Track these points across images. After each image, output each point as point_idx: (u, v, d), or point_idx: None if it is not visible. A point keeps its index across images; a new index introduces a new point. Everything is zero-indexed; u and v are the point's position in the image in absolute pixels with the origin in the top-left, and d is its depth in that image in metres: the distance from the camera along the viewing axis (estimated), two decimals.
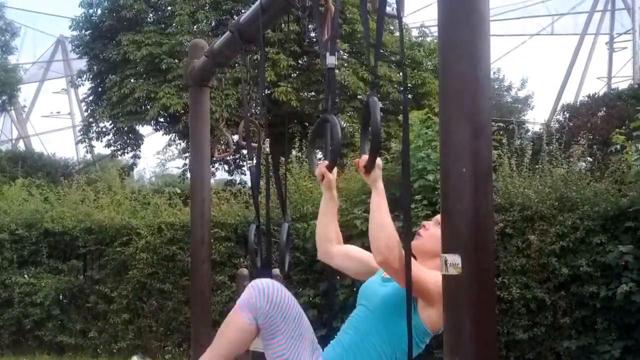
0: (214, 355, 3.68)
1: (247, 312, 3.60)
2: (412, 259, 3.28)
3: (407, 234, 3.06)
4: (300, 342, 3.59)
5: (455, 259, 2.27)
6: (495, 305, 2.43)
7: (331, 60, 3.56)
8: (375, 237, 3.21)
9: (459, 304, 2.32)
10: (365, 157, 3.32)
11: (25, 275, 12.71)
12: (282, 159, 12.32)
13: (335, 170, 3.71)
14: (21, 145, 42.49)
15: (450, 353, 2.35)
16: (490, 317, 2.38)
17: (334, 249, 3.89)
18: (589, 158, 13.09)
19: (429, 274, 3.34)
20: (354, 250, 3.94)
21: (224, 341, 3.68)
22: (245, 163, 25.04)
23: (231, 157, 22.22)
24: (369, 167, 3.26)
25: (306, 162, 12.92)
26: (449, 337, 2.37)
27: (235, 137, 6.44)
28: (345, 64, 21.57)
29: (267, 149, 4.38)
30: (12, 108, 36.97)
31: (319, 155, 4.60)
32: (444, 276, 2.33)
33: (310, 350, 3.63)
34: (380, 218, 3.24)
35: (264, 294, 3.59)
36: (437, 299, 3.27)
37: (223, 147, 6.56)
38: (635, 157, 9.81)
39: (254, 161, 4.59)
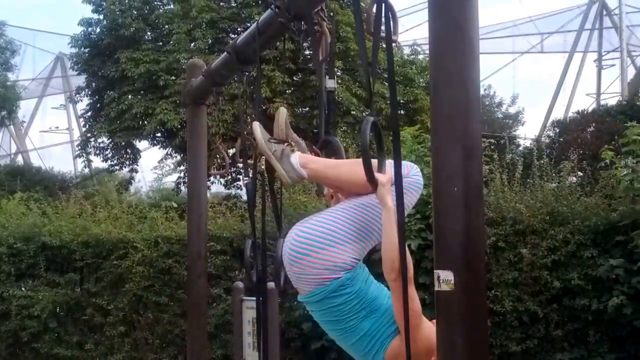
0: (336, 171, 3.55)
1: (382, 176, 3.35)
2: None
3: (402, 249, 3.05)
4: (368, 236, 3.52)
5: (447, 275, 2.29)
6: (487, 319, 2.45)
7: (330, 83, 3.64)
8: (390, 258, 3.19)
9: (451, 319, 2.33)
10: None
11: (23, 288, 12.69)
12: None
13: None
14: (20, 160, 42.54)
15: None
16: (481, 331, 2.39)
17: None
18: (579, 173, 13.14)
19: (427, 326, 3.37)
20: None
21: (354, 170, 3.41)
22: (241, 177, 25.06)
23: (227, 174, 22.25)
24: (371, 185, 3.27)
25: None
26: (442, 351, 2.38)
27: (232, 151, 6.48)
28: (339, 81, 21.68)
29: (263, 166, 4.39)
30: (11, 123, 36.97)
31: None
32: (436, 292, 2.34)
33: (356, 251, 3.51)
34: (394, 236, 3.16)
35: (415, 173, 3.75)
36: (412, 348, 3.30)
37: (219, 162, 6.59)
38: (625, 172, 9.84)
39: (250, 177, 4.62)
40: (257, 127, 3.51)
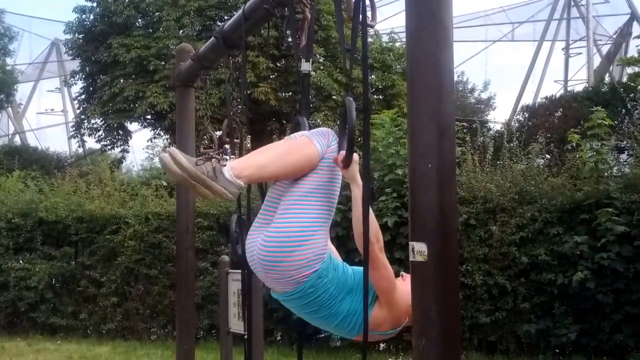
0: (273, 164, 3.24)
1: (319, 145, 3.28)
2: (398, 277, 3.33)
3: (365, 220, 3.05)
4: (329, 211, 3.35)
5: (421, 247, 2.30)
6: (458, 287, 2.46)
7: (306, 66, 3.59)
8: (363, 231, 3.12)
9: (425, 288, 2.34)
10: (342, 153, 3.32)
11: (21, 261, 12.71)
12: None
13: None
14: (17, 140, 42.29)
15: (417, 335, 2.38)
16: (454, 300, 2.41)
17: None
18: (546, 155, 13.22)
19: (402, 288, 3.30)
20: (333, 252, 3.67)
21: (287, 160, 3.24)
22: (227, 158, 25.03)
23: (214, 152, 22.21)
24: (347, 162, 3.26)
25: None
26: (417, 319, 2.40)
27: (218, 133, 6.45)
28: (321, 67, 21.65)
29: (249, 145, 4.39)
30: (9, 106, 36.72)
31: None
32: (411, 262, 2.35)
33: (327, 234, 3.35)
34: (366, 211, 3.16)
35: (336, 140, 3.35)
36: (393, 312, 3.29)
37: (207, 142, 6.57)
38: (589, 155, 9.90)
39: (236, 156, 4.61)
40: (178, 153, 3.12)
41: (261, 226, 3.36)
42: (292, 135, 3.45)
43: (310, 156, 3.25)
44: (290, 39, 3.90)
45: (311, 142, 3.27)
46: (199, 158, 3.12)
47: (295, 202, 3.27)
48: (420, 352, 2.35)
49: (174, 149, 3.13)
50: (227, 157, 3.16)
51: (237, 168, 3.14)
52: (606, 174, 9.96)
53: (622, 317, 9.23)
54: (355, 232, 3.20)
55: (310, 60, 3.63)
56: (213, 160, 3.09)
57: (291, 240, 3.19)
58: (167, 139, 26.52)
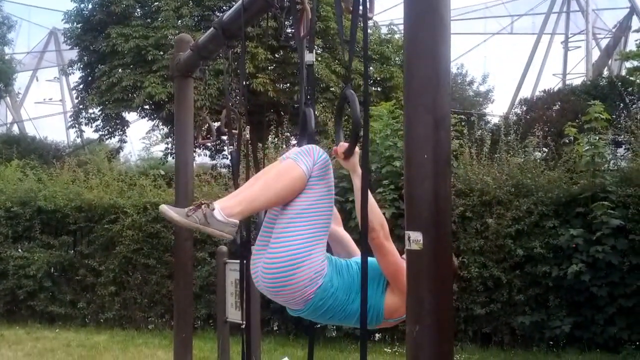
0: (262, 196, 3.27)
1: (304, 165, 3.31)
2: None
3: (364, 210, 3.10)
4: (324, 228, 3.39)
5: (417, 236, 2.34)
6: (451, 276, 2.51)
7: (309, 57, 3.62)
8: (369, 218, 3.17)
9: (420, 276, 2.39)
10: (343, 144, 3.37)
11: (20, 250, 12.77)
12: (260, 144, 12.36)
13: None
14: (15, 129, 42.26)
15: (412, 322, 2.42)
16: (447, 288, 2.45)
17: (332, 228, 3.72)
18: (543, 148, 13.24)
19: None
20: (345, 237, 3.87)
21: (275, 188, 3.27)
22: (226, 148, 25.09)
23: (212, 142, 22.24)
24: (349, 153, 3.33)
25: (281, 145, 13.00)
26: (411, 307, 2.44)
27: (217, 124, 6.48)
28: (319, 59, 21.64)
29: (248, 136, 4.42)
30: (7, 95, 36.68)
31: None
32: (406, 250, 2.40)
33: (324, 249, 3.40)
34: (371, 200, 3.25)
35: (322, 156, 3.38)
36: (405, 295, 3.33)
37: (204, 133, 6.59)
38: (586, 148, 9.96)
39: (235, 146, 4.64)
40: (167, 211, 3.18)
41: (261, 249, 3.42)
42: (281, 157, 3.49)
43: (297, 179, 3.28)
44: (288, 30, 3.94)
45: (297, 165, 3.30)
46: (189, 208, 3.17)
47: (287, 225, 3.30)
48: (414, 339, 2.39)
49: (163, 208, 3.20)
50: (215, 205, 3.19)
51: (228, 207, 3.20)
52: (602, 168, 10.02)
53: (616, 310, 9.31)
54: (364, 219, 3.24)
55: (314, 51, 3.66)
56: (202, 206, 3.14)
57: (288, 265, 3.25)
58: (161, 131, 26.58)
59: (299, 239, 3.27)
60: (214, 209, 3.14)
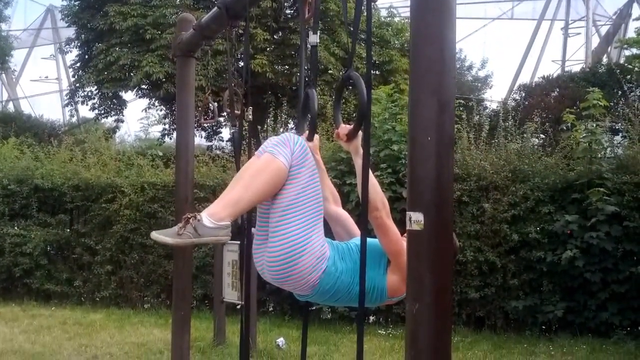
0: (246, 195, 3.30)
1: (283, 157, 3.34)
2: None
3: (365, 190, 3.18)
4: (317, 212, 3.43)
5: (418, 217, 2.41)
6: (451, 256, 2.59)
7: (313, 38, 3.66)
8: (371, 197, 3.25)
9: (420, 256, 2.46)
10: (345, 126, 3.45)
11: (16, 227, 12.82)
12: (259, 127, 12.41)
13: (316, 137, 3.79)
14: (11, 107, 42.12)
15: (411, 300, 2.49)
16: (447, 268, 2.53)
17: (332, 209, 3.85)
18: (541, 135, 13.31)
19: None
20: (344, 216, 3.93)
21: (257, 185, 3.30)
22: (222, 130, 25.14)
23: (211, 124, 22.27)
24: (353, 135, 3.39)
25: (280, 128, 13.04)
26: (411, 285, 2.51)
27: (215, 105, 6.52)
28: (318, 41, 21.63)
29: (250, 116, 4.46)
30: (3, 72, 36.56)
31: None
32: (408, 231, 2.47)
33: (321, 233, 3.46)
34: (372, 180, 3.31)
35: (299, 143, 3.42)
36: (405, 273, 3.42)
37: (205, 113, 6.64)
38: (584, 135, 10.03)
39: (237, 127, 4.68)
40: (157, 236, 3.24)
41: (261, 243, 3.51)
42: (257, 151, 3.50)
43: (278, 172, 3.32)
44: (287, 11, 3.97)
45: (275, 158, 3.33)
46: (178, 226, 3.21)
47: (281, 217, 3.37)
48: (414, 317, 2.46)
49: (153, 235, 3.26)
50: (202, 215, 3.23)
51: (216, 213, 3.24)
52: (599, 155, 10.10)
53: (608, 296, 9.43)
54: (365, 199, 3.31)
55: (317, 31, 3.71)
56: (190, 220, 3.18)
57: (290, 255, 3.33)
58: (159, 111, 26.55)
59: (295, 228, 3.34)
60: (201, 219, 3.19)
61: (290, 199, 3.35)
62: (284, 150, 3.36)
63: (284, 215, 3.36)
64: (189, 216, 3.21)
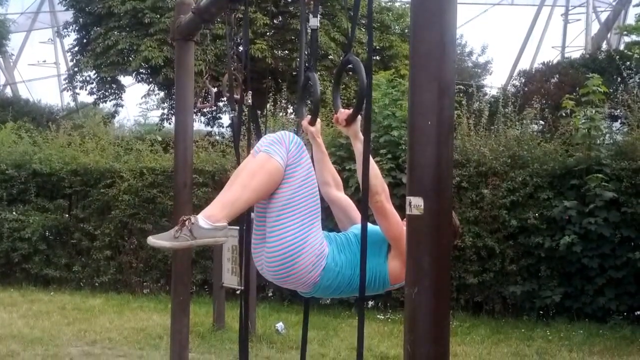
0: (243, 195, 3.31)
1: (279, 156, 3.35)
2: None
3: (365, 175, 3.17)
4: (314, 210, 3.45)
5: (418, 201, 2.42)
6: (449, 240, 2.59)
7: (314, 21, 3.66)
8: (371, 182, 3.24)
9: (420, 240, 2.47)
10: (343, 111, 3.45)
11: (14, 212, 12.83)
12: (259, 112, 12.40)
13: (318, 121, 3.78)
14: (8, 91, 42.02)
15: (410, 284, 2.51)
16: (445, 252, 2.54)
17: (333, 194, 3.87)
18: (540, 121, 13.33)
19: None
20: (345, 202, 3.93)
21: (254, 185, 3.31)
22: (222, 115, 25.10)
23: (209, 109, 22.24)
24: (352, 120, 3.39)
25: (279, 113, 13.02)
26: (410, 270, 2.53)
27: (215, 90, 6.51)
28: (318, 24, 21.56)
29: (250, 101, 4.46)
30: (0, 56, 36.46)
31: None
32: (407, 216, 2.48)
33: (319, 230, 3.48)
34: (372, 164, 3.31)
35: (294, 141, 3.43)
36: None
37: (203, 98, 6.63)
38: (583, 121, 10.04)
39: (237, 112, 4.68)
40: (154, 241, 3.22)
41: (260, 242, 3.52)
42: (253, 150, 3.51)
43: (274, 172, 3.33)
44: None
45: (271, 157, 3.34)
46: (174, 229, 3.21)
47: (278, 216, 3.38)
48: (413, 301, 2.48)
49: (150, 241, 3.24)
50: (197, 217, 3.22)
51: (213, 215, 3.25)
52: (598, 141, 10.12)
53: (605, 281, 9.49)
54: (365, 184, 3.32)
55: (318, 15, 3.71)
56: (186, 222, 3.18)
57: (289, 255, 3.35)
58: (157, 96, 26.46)
59: (292, 228, 3.35)
60: (196, 221, 3.19)
61: (287, 198, 3.37)
62: (279, 149, 3.37)
63: (281, 215, 3.37)
64: (184, 219, 3.22)
